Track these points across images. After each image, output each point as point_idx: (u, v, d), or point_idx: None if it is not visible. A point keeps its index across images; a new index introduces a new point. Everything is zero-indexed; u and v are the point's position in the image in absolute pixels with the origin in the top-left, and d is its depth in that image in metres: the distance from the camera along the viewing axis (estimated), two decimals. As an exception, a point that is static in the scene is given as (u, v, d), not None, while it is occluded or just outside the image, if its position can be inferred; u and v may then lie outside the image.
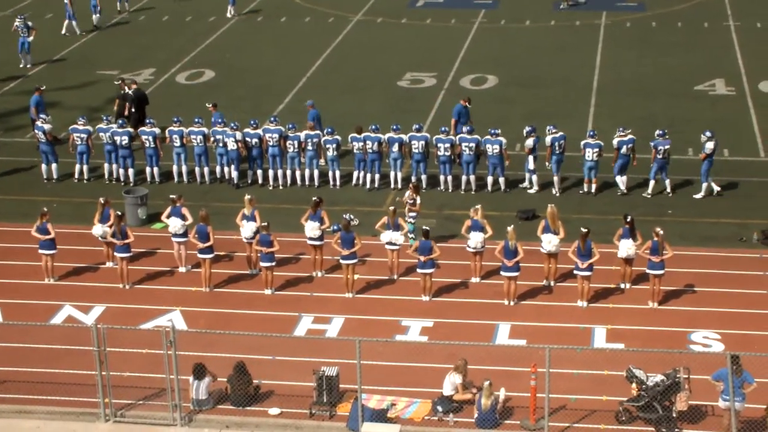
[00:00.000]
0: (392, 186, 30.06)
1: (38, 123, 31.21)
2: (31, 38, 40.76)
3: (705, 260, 26.07)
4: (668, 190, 29.49)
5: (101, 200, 26.18)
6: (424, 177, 29.94)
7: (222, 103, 34.88)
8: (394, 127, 29.94)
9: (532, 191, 29.84)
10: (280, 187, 30.40)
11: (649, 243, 23.87)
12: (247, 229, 25.45)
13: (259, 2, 48.88)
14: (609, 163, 29.47)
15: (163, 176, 30.87)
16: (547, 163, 29.65)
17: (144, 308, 24.42)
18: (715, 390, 19.53)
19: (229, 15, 46.71)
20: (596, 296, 24.54)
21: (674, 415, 19.84)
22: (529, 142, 29.50)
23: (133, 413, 20.62)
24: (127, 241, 25.12)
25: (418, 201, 26.99)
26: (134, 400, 20.84)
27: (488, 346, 22.45)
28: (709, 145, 28.95)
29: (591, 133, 29.62)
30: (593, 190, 29.58)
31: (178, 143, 30.48)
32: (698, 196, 29.38)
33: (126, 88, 33.92)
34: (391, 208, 25.54)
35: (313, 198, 25.93)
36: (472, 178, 29.84)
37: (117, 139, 30.32)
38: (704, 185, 29.33)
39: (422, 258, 24.32)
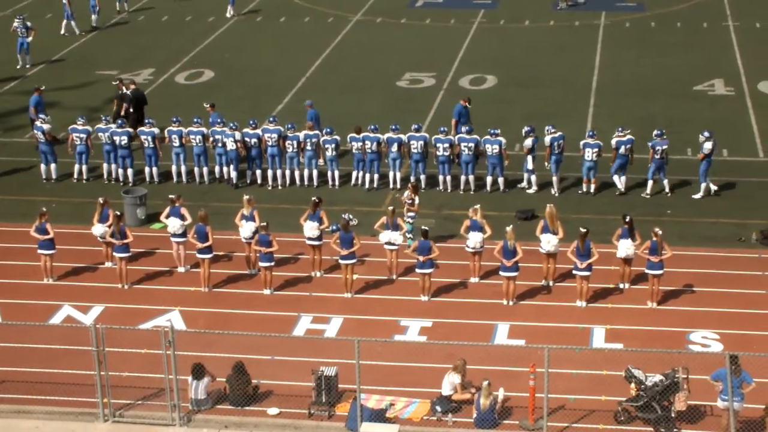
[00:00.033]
0: (391, 186, 30.06)
1: (37, 123, 31.22)
2: (29, 39, 40.77)
3: (704, 260, 26.08)
4: (667, 190, 29.50)
5: (100, 200, 26.18)
6: (423, 177, 29.95)
7: (221, 103, 34.92)
8: (393, 127, 29.95)
9: (531, 191, 29.85)
10: (279, 187, 30.40)
11: (648, 243, 23.87)
12: (246, 229, 25.45)
13: (259, 2, 48.90)
14: (608, 163, 29.49)
15: (162, 176, 30.88)
16: (546, 164, 29.65)
17: (143, 308, 24.42)
18: (714, 390, 19.53)
19: (228, 15, 46.72)
20: (595, 296, 24.54)
21: (673, 415, 19.85)
22: (528, 142, 29.51)
23: (132, 413, 20.61)
24: (126, 241, 25.12)
25: (417, 201, 27.00)
26: (133, 400, 20.83)
27: (487, 346, 22.45)
28: (708, 146, 28.96)
29: (590, 133, 29.63)
30: (592, 190, 29.59)
31: (177, 143, 30.49)
32: (697, 196, 29.39)
33: (124, 88, 33.92)
34: (390, 208, 25.55)
35: (313, 198, 25.93)
36: (471, 178, 29.85)
37: (116, 139, 30.33)
38: (703, 185, 29.34)
39: (421, 258, 24.32)
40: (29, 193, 30.40)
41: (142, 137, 30.39)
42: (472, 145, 29.42)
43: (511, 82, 38.46)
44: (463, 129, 30.03)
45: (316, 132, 30.26)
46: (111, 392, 20.41)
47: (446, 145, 29.51)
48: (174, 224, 25.67)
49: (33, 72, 40.35)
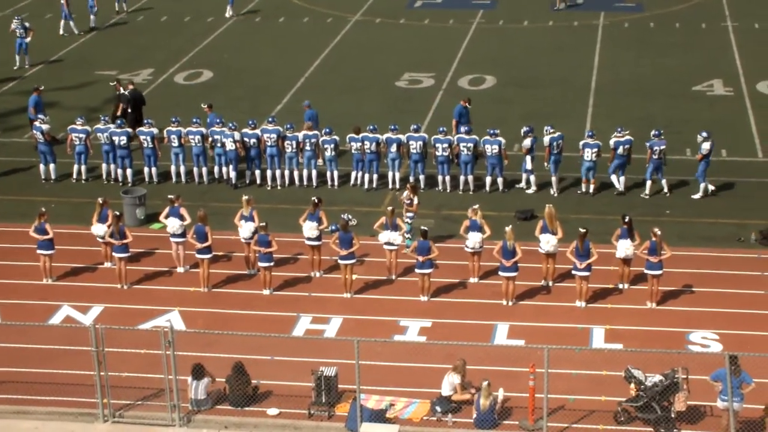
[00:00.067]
0: (390, 186, 30.06)
1: (36, 123, 31.20)
2: (28, 39, 40.74)
3: (703, 260, 26.09)
4: (665, 190, 29.50)
5: (99, 200, 26.18)
6: (422, 177, 29.95)
7: (220, 103, 34.91)
8: (392, 127, 29.95)
9: (530, 191, 29.85)
10: (278, 188, 30.40)
11: (648, 243, 23.88)
12: (246, 229, 25.45)
13: (258, 3, 48.89)
14: (606, 164, 29.49)
15: (161, 176, 30.87)
16: (546, 164, 29.65)
17: (142, 308, 24.41)
18: (714, 390, 19.53)
19: (227, 15, 46.71)
20: (594, 296, 24.55)
21: (673, 415, 19.85)
22: (527, 142, 29.51)
23: (132, 413, 20.61)
24: (125, 241, 25.11)
25: (416, 201, 26.99)
26: (133, 401, 20.82)
27: (487, 346, 22.45)
28: (706, 146, 28.96)
29: (590, 133, 29.63)
30: (591, 191, 29.59)
31: (176, 143, 30.48)
32: (696, 196, 29.40)
33: (122, 88, 33.90)
34: (389, 208, 25.55)
35: (313, 198, 25.92)
36: (470, 178, 29.85)
37: (115, 139, 30.31)
38: (702, 186, 29.35)
39: (420, 258, 24.32)
40: (28, 193, 30.39)
41: (141, 137, 30.38)
42: (471, 145, 29.43)
43: (510, 83, 38.47)
44: (462, 129, 30.03)
45: (315, 132, 30.26)
46: (111, 392, 20.40)
47: (445, 145, 29.51)
48: (173, 224, 25.67)
49: (32, 72, 40.34)
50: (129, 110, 33.22)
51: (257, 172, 30.59)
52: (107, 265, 26.19)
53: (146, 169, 30.79)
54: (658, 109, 35.67)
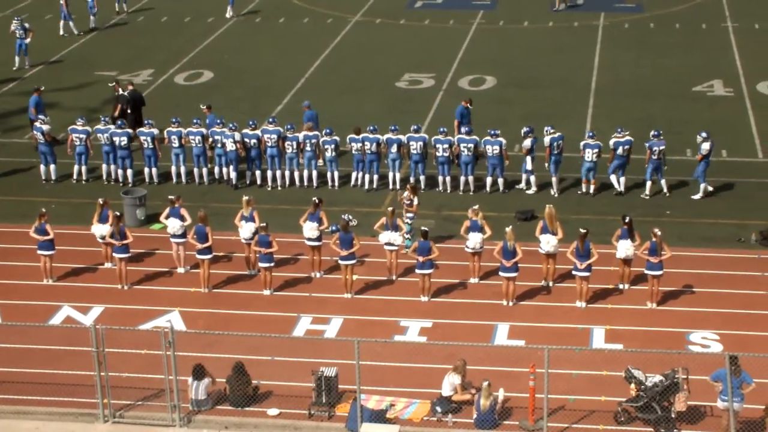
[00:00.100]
0: (391, 187, 30.06)
1: (37, 124, 31.21)
2: (28, 40, 40.73)
3: (703, 261, 26.10)
4: (665, 190, 29.51)
5: (100, 201, 26.18)
6: (422, 178, 29.96)
7: (220, 103, 34.93)
8: (393, 127, 29.96)
9: (530, 192, 29.86)
10: (279, 188, 30.41)
11: (648, 244, 23.89)
12: (246, 229, 25.45)
13: (258, 3, 48.91)
14: (606, 164, 29.50)
15: (161, 177, 30.88)
16: (546, 164, 29.66)
17: (143, 309, 24.42)
18: (714, 390, 19.54)
19: (227, 16, 46.72)
20: (595, 297, 24.55)
21: (673, 415, 19.85)
22: (527, 142, 29.52)
23: (132, 414, 20.61)
24: (125, 241, 25.12)
25: (416, 202, 27.00)
26: (133, 401, 20.83)
27: (487, 346, 22.45)
28: (705, 146, 28.97)
29: (590, 134, 29.63)
30: (591, 191, 29.60)
31: (176, 144, 30.50)
32: (696, 196, 29.41)
33: (120, 89, 33.90)
34: (390, 208, 25.56)
35: (313, 198, 25.93)
36: (471, 178, 29.86)
37: (116, 139, 30.32)
38: (702, 186, 29.35)
39: (421, 258, 24.32)
40: (29, 193, 30.40)
41: (142, 138, 30.39)
42: (471, 145, 29.43)
43: (511, 83, 38.48)
44: (463, 130, 30.04)
45: (316, 133, 30.27)
46: (111, 393, 20.40)
47: (446, 145, 29.51)
48: (174, 225, 25.67)
49: (32, 73, 40.34)
50: (128, 111, 33.21)
51: (257, 173, 30.60)
52: (108, 265, 26.20)
53: (146, 170, 30.80)
54: (658, 109, 35.68)
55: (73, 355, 21.92)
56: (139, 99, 34.03)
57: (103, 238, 25.85)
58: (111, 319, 23.60)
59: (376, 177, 30.17)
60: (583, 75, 39.03)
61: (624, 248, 24.36)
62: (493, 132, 29.43)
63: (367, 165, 30.05)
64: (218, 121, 30.66)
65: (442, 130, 29.84)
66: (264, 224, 24.95)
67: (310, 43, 43.03)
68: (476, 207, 25.30)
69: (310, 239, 25.49)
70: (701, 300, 24.49)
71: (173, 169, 30.84)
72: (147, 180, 30.79)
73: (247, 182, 30.64)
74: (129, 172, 30.70)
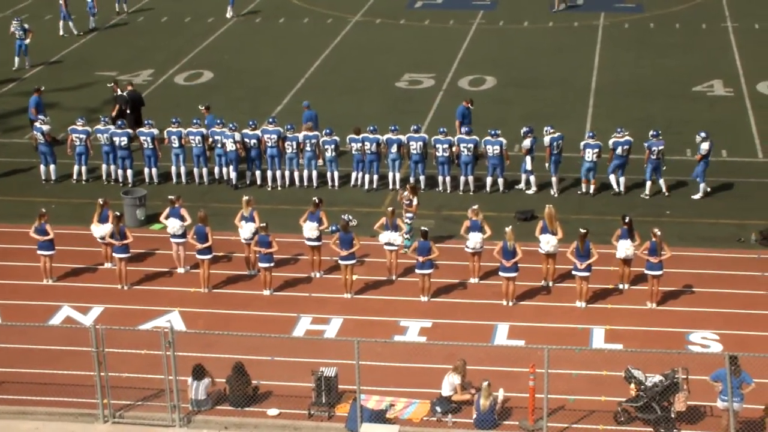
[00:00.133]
0: (390, 187, 30.06)
1: (37, 124, 31.20)
2: (27, 40, 40.72)
3: (703, 261, 26.09)
4: (664, 190, 29.51)
5: (100, 201, 26.19)
6: (422, 178, 29.97)
7: (220, 104, 34.95)
8: (393, 128, 29.96)
9: (530, 192, 29.86)
10: (279, 188, 30.41)
11: (648, 244, 23.89)
12: (246, 230, 25.45)
13: (258, 3, 48.91)
14: (606, 164, 29.51)
15: (161, 177, 30.88)
16: (547, 164, 29.65)
17: (142, 309, 24.42)
18: (714, 390, 19.54)
19: (227, 16, 46.72)
20: (595, 297, 24.55)
21: (673, 415, 19.85)
22: (526, 142, 29.52)
23: (132, 414, 20.61)
24: (125, 241, 25.12)
25: (415, 202, 27.00)
26: (133, 401, 20.83)
27: (487, 346, 22.45)
28: (704, 146, 28.96)
29: (590, 134, 29.63)
30: (591, 191, 29.60)
31: (176, 144, 30.50)
32: (696, 196, 29.41)
33: (119, 90, 33.89)
34: (390, 209, 25.56)
35: (313, 198, 25.93)
36: (471, 178, 29.86)
37: (116, 140, 30.33)
38: (702, 186, 29.35)
39: (421, 258, 24.33)
40: (29, 194, 30.40)
41: (142, 138, 30.40)
42: (471, 146, 29.43)
43: (511, 83, 38.48)
44: (463, 130, 30.04)
45: (316, 133, 30.27)
46: (111, 393, 20.41)
47: (446, 146, 29.52)
48: (174, 225, 25.68)
49: (32, 73, 40.34)
50: (128, 111, 33.20)
51: (257, 173, 30.60)
52: (107, 265, 26.21)
53: (146, 170, 30.81)
54: (658, 109, 35.68)
55: (73, 355, 21.91)
56: (138, 99, 34.03)
57: (102, 238, 25.85)
58: (111, 319, 23.60)
59: (376, 177, 30.17)
60: (583, 75, 39.03)
61: (624, 248, 24.36)
62: (493, 132, 29.43)
63: (367, 165, 30.05)
64: (218, 121, 30.66)
65: (442, 130, 29.84)
66: (264, 224, 24.95)
67: (310, 44, 43.03)
68: (476, 207, 25.30)
69: (310, 239, 25.49)
70: (701, 300, 24.49)
71: (173, 169, 30.84)
72: (147, 180, 30.80)
73: (247, 182, 30.64)
74: (129, 172, 30.70)
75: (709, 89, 37.52)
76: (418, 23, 45.92)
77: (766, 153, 32.32)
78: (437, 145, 29.56)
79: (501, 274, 24.27)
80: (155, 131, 30.45)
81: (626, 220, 24.51)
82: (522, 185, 30.02)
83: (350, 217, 26.28)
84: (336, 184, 30.34)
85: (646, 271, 24.03)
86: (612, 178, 29.56)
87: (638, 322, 23.67)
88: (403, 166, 30.30)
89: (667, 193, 29.45)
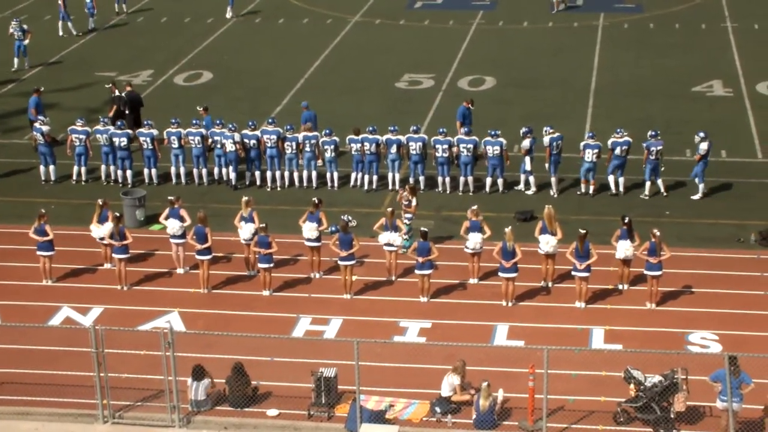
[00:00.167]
0: (390, 187, 30.06)
1: (36, 125, 31.20)
2: (26, 41, 40.69)
3: (703, 261, 26.10)
4: (662, 190, 29.51)
5: (99, 202, 26.19)
6: (422, 178, 29.97)
7: (220, 104, 34.96)
8: (392, 128, 29.96)
9: (529, 192, 29.86)
10: (278, 189, 30.41)
11: (647, 244, 23.89)
12: (246, 230, 25.46)
13: (258, 4, 48.92)
14: (605, 164, 29.51)
15: (161, 178, 30.88)
16: (547, 164, 29.65)
17: (142, 309, 24.42)
18: (713, 391, 19.54)
19: (227, 16, 46.72)
20: (594, 297, 24.56)
21: (672, 415, 19.86)
22: (526, 143, 29.52)
23: (132, 414, 20.61)
24: (125, 242, 25.12)
25: (414, 202, 27.00)
26: (132, 402, 20.83)
27: (486, 347, 22.46)
28: (703, 146, 28.96)
29: (590, 134, 29.64)
30: (591, 192, 29.61)
31: (176, 144, 30.51)
32: (695, 197, 29.41)
33: (117, 91, 33.87)
34: (389, 209, 25.56)
35: (313, 199, 25.93)
36: (470, 179, 29.86)
37: (116, 140, 30.33)
38: (701, 186, 29.34)
39: (420, 259, 24.33)
40: (28, 194, 30.40)
41: (141, 139, 30.40)
42: (471, 146, 29.44)
43: (510, 84, 38.48)
44: (462, 130, 30.04)
45: (315, 133, 30.28)
46: (110, 393, 20.40)
47: (445, 146, 29.52)
48: (173, 226, 25.68)
49: (31, 74, 40.34)
50: (126, 112, 33.19)
51: (257, 174, 30.60)
52: (107, 266, 26.21)
53: (146, 171, 30.81)
54: (657, 110, 35.68)
55: (73, 355, 21.90)
56: (137, 100, 34.01)
57: (102, 238, 25.85)
58: (110, 320, 23.60)
59: (375, 178, 30.17)
60: (582, 75, 39.04)
61: (623, 249, 24.36)
62: (493, 132, 29.43)
63: (366, 166, 30.06)
64: (217, 121, 30.66)
65: (441, 130, 29.84)
66: (263, 225, 24.95)
67: (309, 44, 43.04)
68: (475, 207, 25.30)
69: (309, 240, 25.50)
70: (700, 300, 24.50)
71: (173, 169, 30.84)
72: (146, 181, 30.80)
73: (247, 183, 30.65)
74: (128, 172, 30.70)
75: (708, 89, 37.52)
76: (418, 23, 45.93)
77: (766, 153, 32.33)
78: (437, 146, 29.57)
79: (500, 274, 24.27)
80: (155, 132, 30.45)
81: (626, 221, 24.51)
82: (521, 186, 30.02)
83: (350, 218, 26.31)
84: (335, 184, 30.34)
85: (646, 272, 24.04)
86: (611, 178, 29.56)
87: (638, 322, 23.67)
88: (403, 167, 30.31)
89: (665, 194, 29.46)
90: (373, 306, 24.61)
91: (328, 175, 30.34)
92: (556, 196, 29.57)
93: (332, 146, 30.02)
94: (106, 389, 20.31)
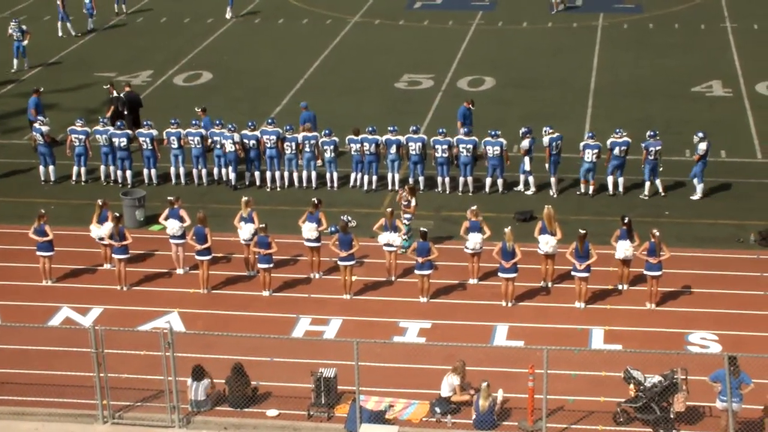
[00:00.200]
0: (390, 188, 30.06)
1: (36, 125, 31.20)
2: (25, 42, 40.67)
3: (702, 261, 26.10)
4: (660, 191, 29.51)
5: (99, 202, 26.19)
6: (421, 178, 29.97)
7: (220, 104, 34.97)
8: (392, 128, 29.96)
9: (529, 193, 29.87)
10: (278, 189, 30.41)
11: (647, 244, 23.89)
12: (246, 230, 25.45)
13: (257, 4, 48.92)
14: (604, 164, 29.52)
15: (160, 178, 30.88)
16: (546, 165, 29.65)
17: (142, 310, 24.42)
18: (713, 391, 19.55)
19: (227, 17, 46.72)
20: (594, 297, 24.56)
21: (672, 416, 19.86)
22: (525, 143, 29.53)
23: (131, 415, 20.61)
24: (124, 242, 25.12)
25: (413, 203, 27.01)
26: (132, 402, 20.83)
27: (486, 347, 22.46)
28: (702, 146, 28.96)
29: (590, 134, 29.64)
30: (591, 192, 29.61)
31: (175, 145, 30.51)
32: (695, 197, 29.41)
33: (115, 92, 33.85)
34: (389, 209, 25.57)
35: (312, 199, 25.93)
36: (470, 179, 29.86)
37: (115, 140, 30.33)
38: (700, 186, 29.34)
39: (420, 259, 24.33)
40: (28, 194, 30.40)
41: (141, 139, 30.41)
42: (470, 146, 29.44)
43: (510, 84, 38.49)
44: (462, 131, 30.04)
45: (315, 134, 30.28)
46: (110, 394, 20.40)
47: (445, 146, 29.52)
48: (173, 226, 25.68)
49: (31, 74, 40.33)
50: (125, 112, 33.18)
51: (257, 174, 30.61)
52: (107, 266, 26.21)
53: (146, 171, 30.80)
54: (657, 110, 35.69)
55: (73, 356, 21.89)
56: (136, 100, 33.99)
57: (102, 239, 25.85)
58: (110, 320, 23.61)
59: (375, 178, 30.17)
60: (582, 75, 39.04)
61: (623, 249, 24.36)
62: (493, 133, 29.44)
63: (366, 166, 30.06)
64: (217, 122, 30.67)
65: (441, 130, 29.84)
66: (263, 225, 24.95)
67: (309, 44, 43.04)
68: (475, 208, 25.30)
69: (309, 240, 25.50)
70: (700, 300, 24.50)
71: (172, 170, 30.84)
72: (146, 181, 30.80)
73: (246, 183, 30.65)
74: (128, 173, 30.71)
75: (708, 90, 37.53)
76: (418, 24, 45.93)
77: (765, 153, 32.34)
78: (436, 146, 29.57)
79: (500, 274, 24.28)
80: (154, 132, 30.46)
81: (625, 221, 24.52)
82: (521, 186, 30.02)
83: (349, 218, 26.32)
84: (335, 184, 30.35)
85: (645, 272, 24.04)
86: (610, 179, 29.55)
87: (637, 322, 23.68)
88: (402, 167, 30.31)
89: (663, 194, 29.46)
90: (372, 306, 24.61)
91: (328, 175, 30.34)
92: (555, 196, 29.58)
93: (332, 146, 30.02)
94: (105, 389, 20.31)
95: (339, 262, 24.75)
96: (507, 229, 24.26)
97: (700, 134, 29.10)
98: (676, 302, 24.47)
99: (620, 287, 24.93)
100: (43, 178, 31.09)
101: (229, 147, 30.01)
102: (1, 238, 27.81)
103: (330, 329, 23.64)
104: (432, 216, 28.49)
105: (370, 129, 29.93)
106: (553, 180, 29.75)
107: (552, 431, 19.90)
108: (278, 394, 21.05)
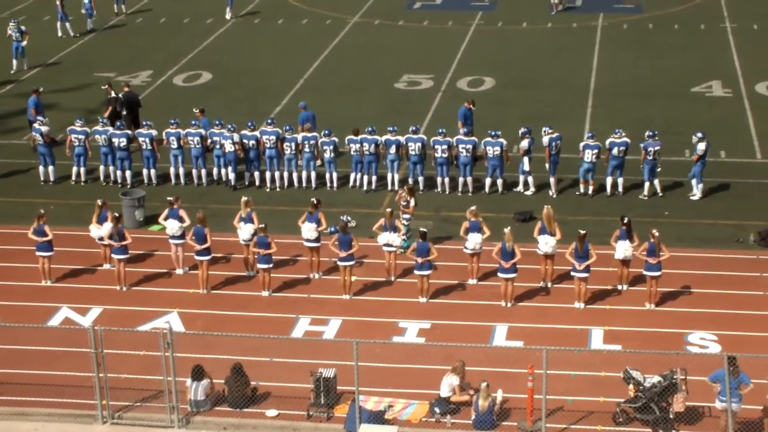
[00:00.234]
0: (389, 188, 30.06)
1: (36, 125, 31.20)
2: (24, 42, 40.65)
3: (702, 261, 26.10)
4: (659, 191, 29.51)
5: (98, 202, 26.20)
6: (421, 179, 29.97)
7: (219, 105, 34.97)
8: (391, 128, 29.96)
9: (528, 193, 29.87)
10: (277, 189, 30.42)
11: (646, 244, 23.90)
12: (245, 231, 25.46)
13: (257, 4, 48.92)
14: (604, 165, 29.52)
15: (160, 178, 30.89)
16: (546, 165, 29.65)
17: (141, 310, 24.42)
18: (712, 391, 19.55)
19: (226, 17, 46.71)
20: (593, 298, 24.56)
21: (671, 416, 19.86)
22: (524, 143, 29.53)
23: (131, 415, 20.61)
24: (124, 243, 25.12)
25: (412, 203, 27.01)
26: (132, 402, 20.83)
27: (485, 347, 22.46)
28: (701, 146, 28.97)
29: (590, 134, 29.64)
30: (590, 192, 29.61)
31: (175, 145, 30.51)
32: (695, 197, 29.42)
33: (113, 92, 33.84)
34: (388, 210, 25.57)
35: (312, 199, 25.93)
36: (470, 179, 29.86)
37: (115, 141, 30.33)
38: (700, 186, 29.34)
39: (419, 259, 24.33)
40: (27, 195, 30.40)
41: (140, 139, 30.41)
42: (470, 146, 29.45)
43: (509, 84, 38.49)
44: (462, 131, 30.05)
45: (315, 134, 30.29)
46: (110, 394, 20.40)
47: (444, 146, 29.53)
48: (173, 226, 25.68)
49: (30, 74, 40.33)
50: (123, 113, 33.17)
51: (256, 174, 30.61)
52: (106, 266, 26.21)
53: (145, 171, 30.80)
54: (656, 110, 35.69)
55: (72, 356, 21.89)
56: (135, 100, 33.97)
57: (101, 239, 25.85)
58: (110, 320, 23.60)
59: (374, 178, 30.18)
60: (581, 76, 39.05)
61: (622, 249, 24.36)
62: (493, 133, 29.44)
63: (365, 166, 30.07)
64: (216, 122, 30.67)
65: (440, 131, 29.85)
66: (263, 225, 24.95)
67: (308, 44, 43.04)
68: (474, 208, 25.30)
69: (308, 240, 25.50)
70: (699, 301, 24.51)
71: (172, 170, 30.85)
72: (146, 181, 30.80)
73: (246, 183, 30.65)
74: (128, 173, 30.71)
75: (707, 90, 37.53)
76: (417, 24, 45.94)
77: (765, 154, 32.34)
78: (436, 146, 29.58)
79: (500, 275, 24.28)
80: (154, 132, 30.46)
81: (625, 221, 24.52)
82: (520, 186, 30.02)
83: (349, 218, 26.32)
84: (335, 185, 30.35)
85: (645, 272, 24.04)
86: (609, 179, 29.54)
87: (637, 322, 23.68)
88: (402, 167, 30.31)
89: (661, 194, 29.46)
90: (372, 306, 24.61)
91: (327, 175, 30.35)
92: (555, 196, 29.58)
93: (331, 147, 30.02)
94: (105, 390, 20.31)
95: (338, 263, 24.75)
96: (506, 230, 24.26)
97: (699, 134, 29.11)
98: (676, 302, 24.47)
99: (620, 287, 24.93)
100: (42, 179, 31.09)
101: (229, 147, 30.01)
102: (1, 238, 27.81)
103: (329, 329, 23.65)
104: (431, 216, 28.49)
105: (370, 129, 29.94)
106: (552, 180, 29.76)
107: (551, 431, 19.89)
108: (278, 394, 21.05)
